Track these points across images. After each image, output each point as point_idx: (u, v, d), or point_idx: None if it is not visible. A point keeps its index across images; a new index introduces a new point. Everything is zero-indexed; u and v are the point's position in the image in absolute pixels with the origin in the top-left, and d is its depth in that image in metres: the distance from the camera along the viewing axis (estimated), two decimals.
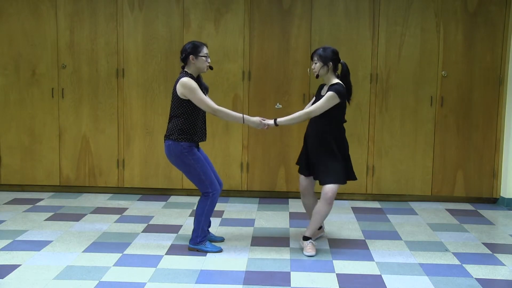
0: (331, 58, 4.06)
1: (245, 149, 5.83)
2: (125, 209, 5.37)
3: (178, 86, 3.95)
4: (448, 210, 5.55)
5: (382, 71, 5.69)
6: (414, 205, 5.72)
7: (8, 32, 5.80)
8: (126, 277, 3.62)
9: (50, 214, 5.13)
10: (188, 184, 5.88)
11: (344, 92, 4.04)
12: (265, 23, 5.70)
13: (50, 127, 5.89)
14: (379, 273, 3.76)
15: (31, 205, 5.43)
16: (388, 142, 5.77)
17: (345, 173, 4.15)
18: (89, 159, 5.90)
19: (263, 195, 5.93)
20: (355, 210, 5.50)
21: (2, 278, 3.56)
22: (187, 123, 3.99)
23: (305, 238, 4.18)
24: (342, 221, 5.08)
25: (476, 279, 3.69)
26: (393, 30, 5.65)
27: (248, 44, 5.71)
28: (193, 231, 4.17)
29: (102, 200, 5.70)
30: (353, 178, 4.28)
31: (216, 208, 5.41)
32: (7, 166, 5.96)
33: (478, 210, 5.56)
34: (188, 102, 3.96)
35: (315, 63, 4.09)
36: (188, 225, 4.84)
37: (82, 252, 4.08)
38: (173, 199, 5.81)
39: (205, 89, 4.12)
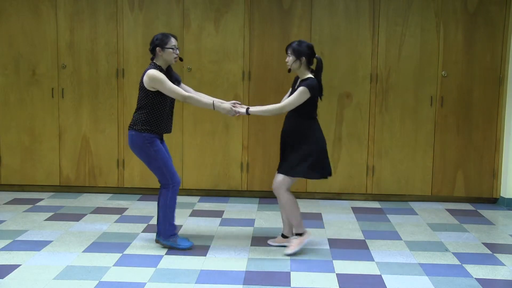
0: (305, 53, 4.03)
1: (245, 149, 5.83)
2: (125, 209, 5.37)
3: (145, 78, 3.97)
4: (448, 210, 5.55)
5: (382, 71, 5.69)
6: (414, 205, 5.72)
7: (8, 32, 5.80)
8: (126, 277, 3.62)
9: (50, 214, 5.13)
10: (188, 184, 5.88)
11: (316, 87, 4.00)
12: (265, 23, 5.71)
13: (50, 127, 5.89)
14: (379, 273, 3.76)
15: (31, 205, 5.43)
16: (388, 142, 5.77)
17: (303, 168, 4.02)
18: (89, 159, 5.90)
19: (263, 195, 5.92)
20: (355, 210, 5.50)
21: (2, 278, 3.56)
22: (152, 115, 4.01)
23: (298, 234, 4.17)
24: (342, 221, 5.08)
25: (476, 279, 3.69)
26: (393, 30, 5.65)
27: (248, 44, 5.71)
28: (159, 224, 4.17)
29: (102, 200, 5.69)
30: (324, 175, 4.13)
31: (216, 208, 5.43)
32: (7, 166, 5.96)
33: (478, 210, 5.57)
34: (155, 94, 3.98)
35: (289, 57, 4.07)
36: (188, 225, 4.84)
37: (82, 252, 4.08)
38: None
39: (176, 81, 4.14)
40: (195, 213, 5.26)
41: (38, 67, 5.82)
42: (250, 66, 5.72)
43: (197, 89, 5.74)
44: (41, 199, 5.68)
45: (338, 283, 3.59)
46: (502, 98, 5.65)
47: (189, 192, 5.93)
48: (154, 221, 4.96)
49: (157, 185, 5.86)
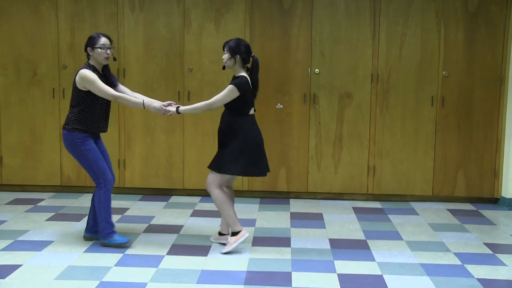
0: (240, 51, 4.08)
1: None
2: (126, 209, 5.37)
3: (77, 78, 4.02)
4: (449, 210, 5.55)
5: (383, 71, 5.69)
6: (415, 205, 5.72)
7: (9, 33, 5.81)
8: (127, 277, 3.62)
9: (51, 214, 5.13)
10: (189, 184, 5.88)
11: (246, 85, 4.04)
12: (265, 23, 5.71)
13: (51, 127, 5.89)
14: (380, 273, 3.76)
15: (32, 205, 5.43)
16: (389, 142, 5.77)
17: (236, 166, 4.04)
18: None
19: (264, 195, 5.92)
20: (356, 210, 5.50)
21: (3, 278, 3.56)
22: (84, 114, 4.06)
23: (233, 234, 4.15)
24: (343, 221, 5.08)
25: (477, 279, 3.69)
26: (393, 30, 5.65)
27: None
28: (98, 226, 4.21)
29: None
30: (257, 173, 4.17)
31: (217, 208, 5.42)
32: (8, 166, 5.96)
33: (479, 210, 5.56)
34: (86, 93, 4.03)
35: (225, 54, 4.13)
36: (189, 225, 4.84)
37: (83, 252, 4.09)
38: (174, 199, 5.81)
39: (112, 84, 4.14)
40: (196, 213, 5.27)
41: (39, 67, 5.83)
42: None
43: (197, 89, 5.78)
44: (42, 199, 5.68)
45: (339, 283, 3.58)
46: (503, 98, 5.65)
47: (190, 192, 5.93)
48: (155, 221, 4.96)
49: (158, 185, 5.92)
